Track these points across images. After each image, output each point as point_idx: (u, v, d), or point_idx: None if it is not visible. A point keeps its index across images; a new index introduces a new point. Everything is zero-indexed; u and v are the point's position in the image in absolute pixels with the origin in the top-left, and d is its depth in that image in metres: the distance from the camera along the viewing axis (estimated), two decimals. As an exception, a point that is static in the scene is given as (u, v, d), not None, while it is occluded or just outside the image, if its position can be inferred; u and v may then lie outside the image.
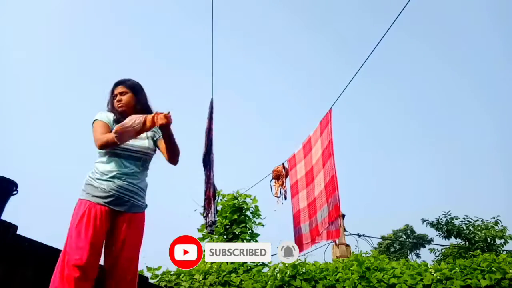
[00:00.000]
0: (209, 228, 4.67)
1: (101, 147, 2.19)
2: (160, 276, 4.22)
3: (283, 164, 5.96)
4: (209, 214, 4.64)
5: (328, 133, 4.81)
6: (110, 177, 2.23)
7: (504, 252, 9.00)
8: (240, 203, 5.78)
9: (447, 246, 10.67)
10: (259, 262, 5.40)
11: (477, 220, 10.00)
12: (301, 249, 5.28)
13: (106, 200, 2.16)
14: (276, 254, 6.84)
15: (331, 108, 4.96)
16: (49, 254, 2.38)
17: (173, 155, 2.39)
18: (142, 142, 2.37)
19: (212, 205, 4.68)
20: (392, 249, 20.62)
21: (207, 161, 4.79)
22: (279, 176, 5.85)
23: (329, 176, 4.63)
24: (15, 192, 2.39)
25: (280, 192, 5.69)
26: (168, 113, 2.14)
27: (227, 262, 4.50)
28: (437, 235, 10.73)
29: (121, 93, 2.40)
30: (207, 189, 4.72)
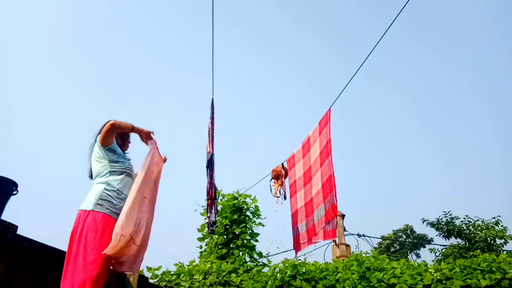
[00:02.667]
0: (210, 228, 4.67)
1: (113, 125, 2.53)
2: (160, 276, 4.21)
3: (282, 164, 5.96)
4: (211, 215, 4.65)
5: (327, 132, 4.80)
6: (124, 198, 2.46)
7: (504, 252, 9.00)
8: (240, 203, 5.77)
9: (447, 246, 10.66)
10: (259, 262, 5.40)
11: (478, 220, 9.99)
12: (298, 249, 5.26)
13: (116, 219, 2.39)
14: (276, 254, 6.85)
15: (330, 108, 4.95)
16: (49, 254, 2.38)
17: None
18: None
19: (214, 205, 4.68)
20: (392, 249, 20.59)
21: (210, 161, 4.78)
22: (278, 176, 5.84)
23: (326, 176, 4.61)
24: (15, 192, 2.39)
25: (280, 192, 5.68)
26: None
27: (227, 262, 4.49)
28: (437, 235, 10.73)
29: None
30: (210, 189, 4.72)
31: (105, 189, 2.42)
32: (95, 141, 2.64)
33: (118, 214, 2.35)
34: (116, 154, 2.60)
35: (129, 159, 2.79)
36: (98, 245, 2.19)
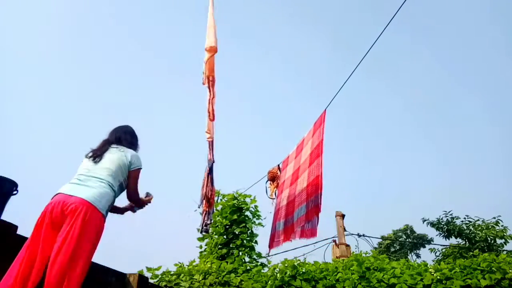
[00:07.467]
0: (204, 228, 4.71)
1: None
2: (160, 276, 4.21)
3: (278, 165, 5.95)
4: (206, 221, 4.68)
5: (320, 133, 4.70)
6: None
7: (504, 252, 8.99)
8: (240, 203, 5.77)
9: (447, 246, 10.66)
10: (258, 262, 5.40)
11: (478, 220, 9.99)
12: (272, 246, 5.16)
13: None
14: (276, 254, 6.87)
15: (325, 109, 4.89)
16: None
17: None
18: None
19: (210, 214, 4.70)
20: (392, 249, 20.58)
21: (211, 169, 4.75)
22: (274, 177, 5.84)
23: (313, 176, 4.47)
24: (15, 192, 2.39)
25: (275, 193, 5.67)
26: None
27: (226, 262, 4.49)
28: (437, 235, 10.72)
29: None
30: (206, 202, 4.70)
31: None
32: (129, 154, 2.57)
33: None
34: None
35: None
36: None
